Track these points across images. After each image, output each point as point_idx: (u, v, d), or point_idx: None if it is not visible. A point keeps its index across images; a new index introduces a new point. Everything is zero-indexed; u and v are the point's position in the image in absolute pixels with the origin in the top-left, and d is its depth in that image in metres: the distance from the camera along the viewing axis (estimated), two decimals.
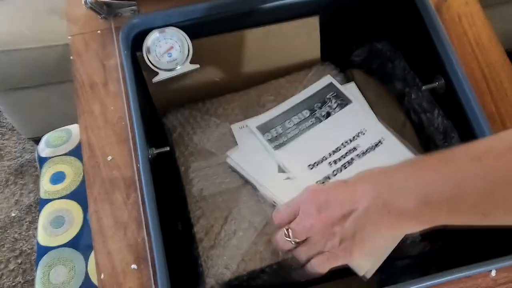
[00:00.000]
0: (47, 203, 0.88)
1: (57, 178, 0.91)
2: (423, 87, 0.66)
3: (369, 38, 0.75)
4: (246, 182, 0.62)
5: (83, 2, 0.59)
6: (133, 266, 0.51)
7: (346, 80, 0.73)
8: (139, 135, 0.56)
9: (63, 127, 0.98)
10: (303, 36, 0.71)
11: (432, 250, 0.59)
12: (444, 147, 0.66)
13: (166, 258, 0.51)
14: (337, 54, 0.76)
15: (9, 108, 1.29)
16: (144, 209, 0.53)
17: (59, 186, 0.90)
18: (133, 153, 0.56)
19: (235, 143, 0.66)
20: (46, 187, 0.90)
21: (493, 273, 0.51)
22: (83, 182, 0.90)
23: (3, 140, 1.55)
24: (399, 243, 0.52)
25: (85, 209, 0.88)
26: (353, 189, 0.46)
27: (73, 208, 0.87)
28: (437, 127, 0.67)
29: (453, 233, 0.60)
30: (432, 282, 0.50)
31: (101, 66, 0.61)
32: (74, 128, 0.97)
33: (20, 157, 1.51)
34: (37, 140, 1.46)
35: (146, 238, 0.52)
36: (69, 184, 0.90)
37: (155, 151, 0.62)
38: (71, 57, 0.62)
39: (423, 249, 0.58)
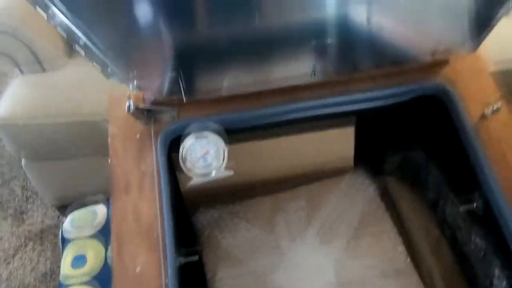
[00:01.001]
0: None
1: (79, 261, 0.90)
2: (461, 208, 0.65)
3: (403, 145, 0.75)
4: None
5: (126, 109, 0.60)
6: None
7: (379, 188, 0.72)
8: (170, 242, 0.56)
9: (89, 207, 0.98)
10: (337, 145, 0.71)
11: None
12: (482, 272, 0.63)
13: None
14: (371, 158, 0.75)
15: (36, 176, 1.31)
16: None
17: (79, 271, 0.89)
18: (162, 266, 0.55)
19: (264, 250, 0.65)
20: (67, 270, 0.89)
21: None
22: (104, 267, 0.89)
23: (27, 203, 1.56)
24: None
25: None
26: None
27: None
28: (473, 249, 0.64)
29: None
30: None
31: (137, 169, 0.61)
32: (100, 209, 0.97)
33: (42, 222, 1.51)
34: (60, 207, 1.47)
35: None
36: (90, 269, 0.89)
37: (183, 261, 0.60)
38: (109, 160, 0.62)
39: None
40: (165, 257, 0.56)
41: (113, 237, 0.57)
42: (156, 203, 0.59)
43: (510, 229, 0.57)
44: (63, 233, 0.95)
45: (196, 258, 0.62)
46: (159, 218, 0.58)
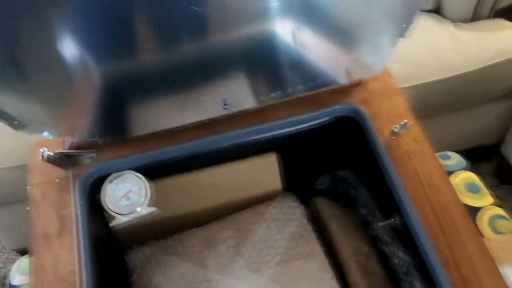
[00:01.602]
0: None
1: None
2: (380, 224, 0.66)
3: (333, 166, 0.77)
4: None
5: (40, 156, 0.61)
6: None
7: (309, 210, 0.74)
8: None
9: None
10: (262, 171, 0.72)
11: None
12: (407, 284, 0.64)
13: None
14: (303, 182, 0.77)
15: None
16: None
17: None
18: None
19: (194, 285, 0.65)
20: None
21: None
22: None
23: None
24: None
25: None
26: None
27: None
28: (398, 263, 0.66)
29: None
30: None
31: (56, 217, 0.62)
32: None
33: (4, 267, 1.49)
34: (21, 251, 1.45)
35: None
36: None
37: None
38: (28, 208, 0.63)
39: None
40: None
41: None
42: (75, 250, 0.59)
43: (422, 244, 0.58)
44: (11, 280, 0.94)
45: None
46: (77, 266, 0.58)
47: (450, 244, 0.58)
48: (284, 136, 0.70)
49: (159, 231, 0.72)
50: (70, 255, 0.59)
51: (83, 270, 0.57)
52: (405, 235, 0.63)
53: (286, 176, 0.75)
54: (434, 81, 1.10)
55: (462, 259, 0.57)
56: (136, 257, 0.69)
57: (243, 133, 0.67)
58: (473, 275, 0.56)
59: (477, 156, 1.21)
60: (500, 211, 0.99)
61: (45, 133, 0.62)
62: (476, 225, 0.58)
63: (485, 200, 1.01)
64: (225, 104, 0.64)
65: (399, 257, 0.66)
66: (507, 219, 0.97)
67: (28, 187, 0.64)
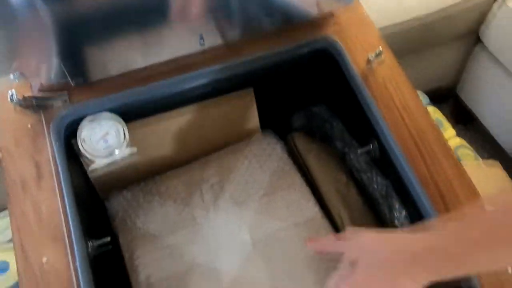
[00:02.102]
0: None
1: (1, 268, 0.86)
2: (359, 151, 0.68)
3: (307, 103, 0.77)
4: (194, 264, 0.61)
5: (9, 100, 0.58)
6: None
7: (287, 145, 0.74)
8: (75, 231, 0.55)
9: (2, 213, 0.94)
10: (239, 108, 0.72)
11: None
12: (386, 206, 0.67)
13: None
14: (278, 121, 0.77)
15: None
16: None
17: (3, 276, 0.85)
18: (69, 251, 0.54)
19: (179, 223, 0.65)
20: None
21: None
22: None
23: None
24: None
25: None
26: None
27: None
28: (377, 188, 0.68)
29: None
30: None
31: (32, 162, 0.59)
32: None
33: None
34: None
35: None
36: (14, 273, 0.85)
37: (96, 243, 0.60)
38: (0, 158, 0.60)
39: None
40: (71, 245, 0.55)
41: (13, 235, 0.55)
42: (57, 191, 0.57)
43: (402, 165, 0.60)
44: None
45: (108, 239, 0.61)
46: (60, 207, 0.56)
47: (427, 164, 0.61)
48: (260, 71, 0.69)
49: (138, 176, 0.71)
50: (51, 200, 0.57)
51: (68, 212, 0.55)
52: (383, 161, 0.66)
53: (262, 115, 0.75)
54: (393, 24, 1.12)
55: (439, 177, 0.60)
56: (117, 202, 0.68)
57: (218, 69, 0.66)
58: (449, 190, 0.59)
59: (435, 98, 1.26)
60: (462, 141, 1.04)
61: (11, 76, 0.59)
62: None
63: (448, 132, 1.06)
64: (201, 38, 0.63)
65: (378, 182, 0.68)
66: (469, 148, 1.03)
67: None
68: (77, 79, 0.60)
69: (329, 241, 0.55)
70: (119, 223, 0.66)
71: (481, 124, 1.37)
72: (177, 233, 0.64)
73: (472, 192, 0.59)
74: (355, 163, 0.73)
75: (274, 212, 0.65)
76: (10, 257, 0.87)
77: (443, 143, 0.62)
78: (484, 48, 1.25)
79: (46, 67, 0.59)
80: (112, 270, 0.64)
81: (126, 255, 0.63)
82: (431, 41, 1.25)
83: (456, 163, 0.61)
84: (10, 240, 0.89)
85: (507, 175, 1.03)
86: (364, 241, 0.50)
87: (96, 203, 0.70)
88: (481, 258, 0.44)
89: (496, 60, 1.22)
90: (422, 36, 1.21)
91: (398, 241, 0.48)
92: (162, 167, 0.71)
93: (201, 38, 0.63)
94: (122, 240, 0.64)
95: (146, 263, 0.62)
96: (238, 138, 0.73)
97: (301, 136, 0.76)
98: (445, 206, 0.58)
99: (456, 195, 0.59)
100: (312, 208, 0.66)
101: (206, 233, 0.64)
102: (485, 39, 1.22)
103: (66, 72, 0.58)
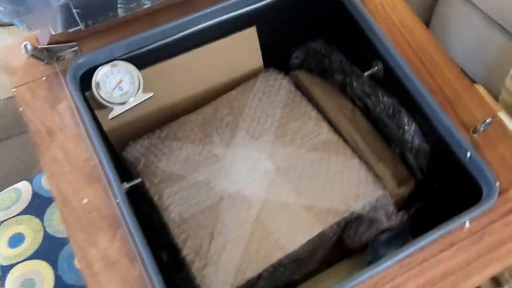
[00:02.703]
0: (10, 269, 0.83)
1: (16, 240, 0.86)
2: (364, 74, 0.71)
3: (306, 39, 0.80)
4: (223, 195, 0.63)
5: (23, 52, 0.57)
6: None
7: (292, 81, 0.77)
8: (111, 171, 0.56)
9: (10, 187, 0.92)
10: (243, 48, 0.74)
11: (410, 218, 0.63)
12: (394, 124, 0.71)
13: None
14: (278, 60, 0.79)
15: None
16: (135, 243, 0.52)
17: (20, 249, 0.85)
18: (109, 189, 0.55)
19: (201, 161, 0.67)
20: (5, 252, 0.85)
21: (467, 224, 0.55)
22: (46, 238, 0.86)
23: None
24: (375, 217, 0.56)
25: (54, 265, 0.83)
26: None
27: (41, 268, 0.83)
28: (383, 108, 0.72)
29: (425, 197, 0.66)
30: (412, 249, 0.53)
31: (53, 112, 0.60)
32: (23, 185, 0.92)
33: None
34: None
35: (144, 270, 0.51)
36: (31, 243, 0.85)
37: (127, 185, 0.61)
38: (20, 109, 0.59)
39: (401, 219, 0.62)
40: (109, 184, 0.56)
41: (49, 182, 0.56)
42: (85, 137, 0.58)
43: (409, 77, 0.64)
44: None
45: (139, 179, 0.63)
46: (92, 150, 0.57)
47: (431, 74, 0.65)
48: (260, 8, 0.71)
49: (151, 126, 0.72)
50: (81, 145, 0.58)
51: (101, 154, 0.56)
52: (388, 80, 0.70)
53: (263, 55, 0.77)
54: None
55: (444, 84, 0.64)
56: (136, 150, 0.69)
57: (221, 7, 0.68)
58: (455, 95, 0.63)
59: None
60: None
61: (17, 22, 0.58)
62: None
63: None
64: None
65: (384, 102, 0.72)
66: None
67: (13, 90, 0.60)
68: (86, 21, 0.60)
69: None
70: (142, 168, 0.67)
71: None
72: (201, 170, 0.66)
73: (475, 95, 0.63)
74: (357, 91, 0.76)
75: (291, 140, 0.68)
76: (24, 229, 0.87)
77: (442, 53, 0.66)
78: None
79: (54, 15, 0.59)
80: (139, 212, 0.65)
81: (155, 197, 0.65)
82: None
83: (457, 70, 0.65)
84: (22, 212, 0.88)
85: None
86: None
87: (112, 156, 0.71)
88: None
89: None
90: None
91: None
92: (174, 113, 0.72)
93: None
94: (148, 184, 0.66)
95: (176, 202, 0.64)
96: (244, 77, 0.75)
97: (303, 72, 0.79)
98: (454, 111, 0.63)
99: (462, 100, 0.63)
100: (326, 133, 0.69)
101: (228, 167, 0.66)
102: None
103: (75, 14, 0.58)
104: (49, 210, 0.89)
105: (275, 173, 0.65)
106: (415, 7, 1.44)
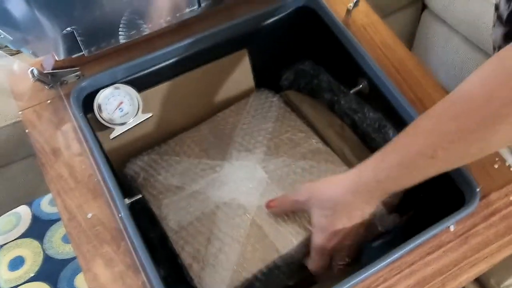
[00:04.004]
0: None
1: (16, 263, 0.87)
2: (351, 91, 0.76)
3: (295, 61, 0.85)
4: (219, 203, 0.66)
5: (30, 76, 0.61)
6: None
7: (283, 101, 0.81)
8: (113, 186, 0.58)
9: (9, 212, 0.94)
10: (236, 69, 0.78)
11: (403, 223, 0.66)
12: (380, 138, 0.75)
13: None
14: (270, 81, 0.84)
15: None
16: (137, 254, 0.55)
17: (20, 271, 0.86)
18: (111, 204, 0.58)
19: (198, 173, 0.70)
20: (5, 275, 0.86)
21: (452, 227, 0.59)
22: (46, 260, 0.88)
23: None
24: (370, 220, 0.58)
25: (54, 287, 0.85)
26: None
27: None
28: (370, 123, 0.76)
29: (416, 206, 0.69)
30: (401, 252, 0.56)
31: (58, 132, 0.63)
32: (23, 209, 0.94)
33: None
34: None
35: (146, 281, 0.54)
36: (31, 266, 0.87)
37: (128, 201, 0.63)
38: (26, 130, 0.63)
39: (393, 223, 0.65)
40: (112, 199, 0.59)
41: (55, 198, 0.59)
42: (89, 156, 0.61)
43: (392, 93, 0.68)
44: None
45: (140, 195, 0.66)
46: (95, 167, 0.60)
47: (412, 88, 0.69)
48: (252, 32, 0.76)
49: (151, 144, 0.75)
50: (85, 162, 0.61)
51: (103, 170, 0.59)
52: (373, 96, 0.74)
53: (255, 75, 0.82)
54: None
55: (424, 97, 0.69)
56: (136, 165, 0.71)
57: (214, 32, 0.72)
58: None
59: None
60: None
61: (24, 49, 0.62)
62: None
63: None
64: (199, 3, 0.69)
65: (370, 117, 0.76)
66: None
67: (20, 112, 0.64)
68: (89, 48, 0.64)
69: (286, 201, 0.62)
70: (142, 182, 0.70)
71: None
72: (198, 181, 0.69)
73: None
74: (345, 108, 0.80)
75: (282, 151, 0.71)
76: (24, 252, 0.88)
77: (421, 68, 0.71)
78: (431, 12, 1.38)
79: (58, 42, 0.63)
80: (143, 223, 0.68)
81: (154, 207, 0.67)
82: (381, 8, 1.37)
83: (435, 83, 0.70)
84: (22, 236, 0.90)
85: None
86: (314, 192, 0.58)
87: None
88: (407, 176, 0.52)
89: (442, 20, 1.35)
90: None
91: (342, 181, 0.56)
92: (173, 132, 0.76)
93: (199, 2, 0.68)
94: (148, 196, 0.68)
95: (174, 211, 0.66)
96: (237, 97, 0.79)
97: (293, 92, 0.83)
98: None
99: None
100: (316, 144, 0.72)
101: (224, 177, 0.69)
102: (430, 4, 1.36)
103: (79, 41, 0.62)
104: (48, 233, 0.91)
105: (268, 181, 0.68)
106: (397, 32, 1.52)
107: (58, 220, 0.93)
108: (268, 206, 0.63)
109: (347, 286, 0.54)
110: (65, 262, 0.87)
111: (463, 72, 1.42)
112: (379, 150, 0.53)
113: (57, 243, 0.89)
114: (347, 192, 0.55)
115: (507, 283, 0.79)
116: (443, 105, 0.48)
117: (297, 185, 0.64)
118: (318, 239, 0.59)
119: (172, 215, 0.65)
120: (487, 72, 0.45)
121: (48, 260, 0.87)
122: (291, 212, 0.63)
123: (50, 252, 0.88)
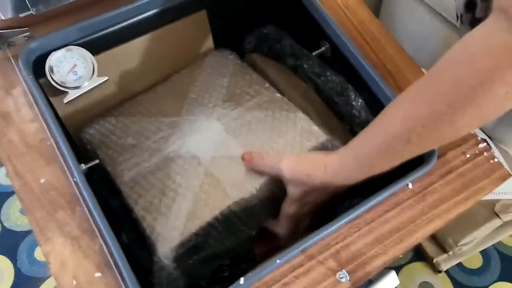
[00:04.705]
0: None
1: None
2: (313, 54, 0.75)
3: (257, 24, 0.83)
4: (175, 156, 0.65)
5: None
6: (97, 274, 0.51)
7: (247, 63, 0.80)
8: (67, 150, 0.56)
9: None
10: (195, 32, 0.76)
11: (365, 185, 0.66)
12: (343, 101, 0.75)
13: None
14: (232, 45, 0.82)
15: None
16: (94, 218, 0.53)
17: None
18: (66, 169, 0.56)
19: (153, 130, 0.68)
20: None
21: (410, 185, 0.60)
22: (4, 232, 0.85)
23: None
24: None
25: (13, 259, 0.82)
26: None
27: (0, 262, 0.82)
28: (332, 86, 0.76)
29: None
30: (360, 210, 0.57)
31: (7, 96, 0.60)
32: None
33: None
34: None
35: (103, 244, 0.52)
36: (4, 286, 0.84)
37: (85, 167, 0.62)
38: None
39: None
40: (67, 164, 0.56)
41: (5, 163, 0.56)
42: (40, 118, 0.59)
43: (354, 55, 0.68)
44: None
45: (96, 160, 0.64)
46: (47, 131, 0.58)
47: (374, 50, 0.69)
48: None
49: (108, 109, 0.73)
50: (35, 125, 0.58)
51: (57, 135, 0.57)
52: (335, 59, 0.73)
53: (215, 39, 0.80)
54: None
55: (386, 59, 0.69)
56: (92, 128, 0.68)
57: None
58: (396, 69, 0.68)
59: None
60: None
61: None
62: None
63: None
64: None
65: (332, 80, 0.75)
66: None
67: None
68: (38, 6, 0.60)
69: (262, 161, 0.62)
70: (97, 143, 0.67)
71: None
72: (152, 138, 0.67)
73: (415, 68, 0.68)
74: (308, 72, 0.80)
75: (238, 103, 0.69)
76: None
77: (384, 31, 0.70)
78: None
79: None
80: (104, 192, 0.66)
81: (110, 167, 0.65)
82: None
83: (398, 46, 0.70)
84: None
85: None
86: (294, 167, 0.59)
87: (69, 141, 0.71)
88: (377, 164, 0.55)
89: None
90: None
91: (324, 164, 0.58)
92: (129, 97, 0.73)
93: None
94: (102, 156, 0.66)
95: (129, 167, 0.64)
96: (196, 59, 0.77)
97: (258, 55, 0.82)
98: (396, 84, 0.67)
99: (403, 74, 0.68)
100: (271, 94, 0.71)
101: (180, 132, 0.67)
102: None
103: (27, 1, 0.59)
104: (5, 205, 0.88)
105: (223, 133, 0.66)
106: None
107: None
108: (243, 157, 0.63)
109: (307, 244, 0.54)
110: (24, 234, 0.85)
111: (428, 42, 1.43)
112: (359, 133, 0.56)
113: (15, 215, 0.87)
114: (328, 175, 0.57)
115: (464, 241, 0.82)
116: (415, 90, 0.50)
117: (278, 153, 0.64)
118: (290, 208, 0.61)
119: (127, 171, 0.63)
120: (454, 57, 0.47)
121: (6, 232, 0.85)
122: (261, 172, 0.62)
123: (8, 224, 0.86)
